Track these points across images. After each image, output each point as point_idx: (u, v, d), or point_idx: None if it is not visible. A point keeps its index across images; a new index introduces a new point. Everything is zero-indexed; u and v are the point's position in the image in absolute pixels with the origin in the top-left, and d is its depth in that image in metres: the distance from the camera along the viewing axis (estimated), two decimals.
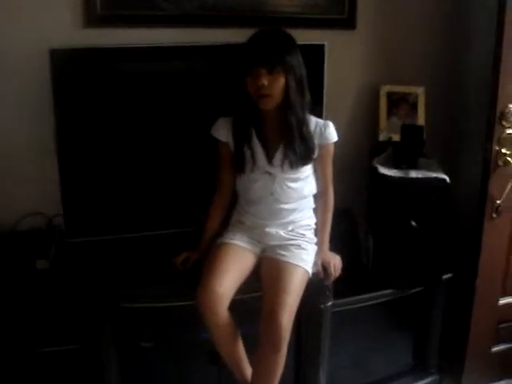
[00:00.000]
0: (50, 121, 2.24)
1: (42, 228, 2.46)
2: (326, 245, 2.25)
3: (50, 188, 2.36)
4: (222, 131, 2.20)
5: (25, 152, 2.46)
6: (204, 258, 2.17)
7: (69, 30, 2.38)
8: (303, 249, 2.15)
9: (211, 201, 2.27)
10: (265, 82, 2.01)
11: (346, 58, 2.72)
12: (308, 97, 2.14)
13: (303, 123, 2.12)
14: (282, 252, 2.13)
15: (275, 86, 2.04)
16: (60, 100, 2.20)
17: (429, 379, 2.71)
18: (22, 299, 2.16)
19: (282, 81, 2.04)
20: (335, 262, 2.22)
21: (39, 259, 2.24)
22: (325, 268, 2.20)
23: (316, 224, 2.27)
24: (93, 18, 2.41)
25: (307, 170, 2.19)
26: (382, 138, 2.76)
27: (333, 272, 2.20)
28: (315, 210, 2.28)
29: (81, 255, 2.30)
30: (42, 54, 2.17)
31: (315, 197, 2.27)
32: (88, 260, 2.28)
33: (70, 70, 2.19)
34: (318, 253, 2.21)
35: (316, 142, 2.16)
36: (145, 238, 2.36)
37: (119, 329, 2.16)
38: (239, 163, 2.16)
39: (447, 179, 2.44)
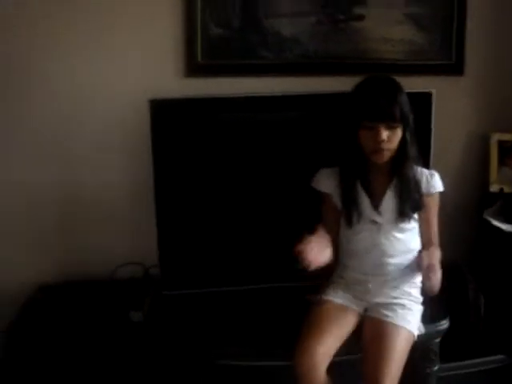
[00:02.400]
0: (149, 171, 2.24)
1: (138, 278, 2.45)
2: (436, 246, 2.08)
3: (148, 238, 2.34)
4: (326, 182, 2.13)
5: (125, 201, 2.51)
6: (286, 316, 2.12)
7: (170, 80, 2.44)
8: (408, 309, 2.03)
9: None
10: (384, 137, 1.95)
11: (453, 106, 2.63)
12: (416, 147, 2.06)
13: (415, 173, 2.06)
14: (386, 312, 2.01)
15: (394, 140, 1.98)
16: (159, 150, 2.20)
17: None
18: (115, 351, 2.14)
19: (399, 135, 1.98)
20: (437, 274, 1.94)
21: (133, 311, 2.22)
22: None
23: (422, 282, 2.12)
24: (194, 68, 2.45)
25: (413, 221, 2.09)
26: (492, 189, 2.63)
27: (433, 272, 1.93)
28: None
29: (176, 308, 2.26)
30: (144, 104, 2.18)
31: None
32: (183, 313, 2.25)
33: (169, 120, 2.19)
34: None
35: (423, 191, 2.07)
36: (242, 293, 2.30)
37: None
38: (347, 215, 2.08)
39: None
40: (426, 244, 2.12)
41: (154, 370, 2.12)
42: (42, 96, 2.40)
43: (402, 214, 2.04)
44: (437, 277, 1.92)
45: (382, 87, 1.99)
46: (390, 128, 1.95)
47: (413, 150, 2.03)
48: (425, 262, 1.92)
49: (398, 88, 2.00)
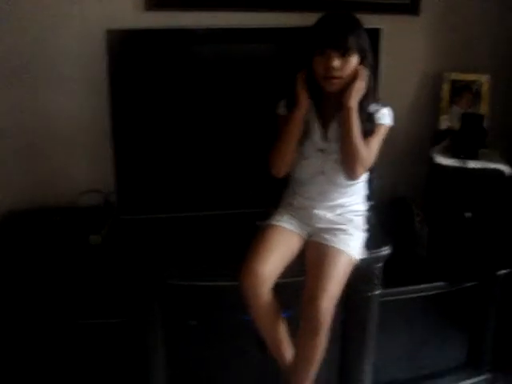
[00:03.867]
0: (106, 100, 2.28)
1: (99, 205, 2.54)
2: None
3: (108, 166, 2.39)
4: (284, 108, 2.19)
5: (85, 130, 2.56)
6: (239, 237, 2.19)
7: (131, 13, 2.46)
8: (350, 234, 2.13)
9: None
10: (336, 63, 2.00)
11: (408, 45, 2.69)
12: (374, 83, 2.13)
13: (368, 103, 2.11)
14: (328, 236, 2.11)
15: (346, 68, 2.02)
16: (115, 81, 2.23)
17: (482, 377, 2.64)
18: (73, 272, 2.24)
19: (353, 64, 2.03)
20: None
21: (92, 235, 2.32)
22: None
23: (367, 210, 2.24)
24: (155, 1, 2.45)
25: None
26: (442, 126, 2.70)
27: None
28: (367, 198, 2.25)
29: (133, 232, 2.35)
30: (101, 35, 2.21)
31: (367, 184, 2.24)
32: (139, 237, 2.34)
33: (126, 52, 2.23)
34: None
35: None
36: (197, 218, 2.38)
37: (166, 306, 2.20)
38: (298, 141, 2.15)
39: (506, 170, 2.35)
40: None
41: (110, 289, 2.22)
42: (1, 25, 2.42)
43: None
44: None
45: (338, 18, 2.05)
46: (342, 57, 2.00)
47: (371, 83, 2.08)
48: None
49: (354, 21, 2.05)
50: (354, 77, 2.04)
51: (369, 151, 2.09)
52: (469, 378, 2.62)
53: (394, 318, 2.40)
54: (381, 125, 2.13)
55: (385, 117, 2.13)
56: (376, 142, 2.13)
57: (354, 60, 2.02)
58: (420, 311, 2.47)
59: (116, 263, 2.23)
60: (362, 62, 2.04)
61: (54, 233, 2.39)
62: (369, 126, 2.10)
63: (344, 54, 2.00)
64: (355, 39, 2.01)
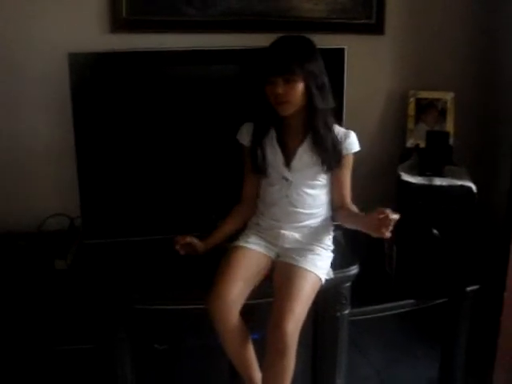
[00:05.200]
0: (70, 124, 2.27)
1: (64, 229, 2.50)
2: None
3: (73, 190, 2.38)
4: (246, 136, 2.21)
5: (49, 154, 2.54)
6: (209, 260, 2.17)
7: (95, 36, 2.46)
8: (317, 254, 2.12)
9: (233, 207, 2.27)
10: (280, 90, 2.02)
11: (373, 64, 2.72)
12: (332, 103, 2.12)
13: (330, 128, 2.11)
14: (296, 256, 2.10)
15: (292, 93, 2.03)
16: (79, 104, 2.22)
17: None
18: (40, 298, 2.20)
19: (299, 88, 2.04)
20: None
21: (58, 259, 2.29)
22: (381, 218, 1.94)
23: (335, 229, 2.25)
24: (119, 23, 2.46)
25: (324, 178, 2.16)
26: (409, 144, 2.73)
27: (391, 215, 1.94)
28: (332, 218, 2.25)
29: (98, 256, 2.32)
30: (64, 58, 2.20)
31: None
32: (105, 261, 2.31)
33: (89, 74, 2.22)
34: (365, 216, 2.05)
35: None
36: (161, 241, 2.33)
37: (134, 330, 2.17)
38: (255, 165, 2.17)
39: (473, 187, 2.38)
40: (338, 204, 2.20)
41: (77, 315, 2.19)
42: None
43: (326, 166, 2.11)
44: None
45: (285, 44, 2.06)
46: (288, 82, 2.02)
47: (322, 104, 2.07)
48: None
49: (302, 44, 2.07)
50: (305, 100, 2.06)
51: (349, 192, 2.18)
52: None
53: (364, 337, 2.39)
54: (350, 155, 2.15)
55: (353, 145, 2.15)
56: (349, 176, 2.18)
57: (298, 84, 2.03)
58: (391, 329, 2.48)
59: (82, 288, 2.20)
60: (308, 84, 2.04)
61: (19, 258, 2.35)
62: (336, 154, 2.11)
63: (288, 79, 2.02)
64: (298, 64, 2.02)
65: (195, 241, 2.18)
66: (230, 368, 2.18)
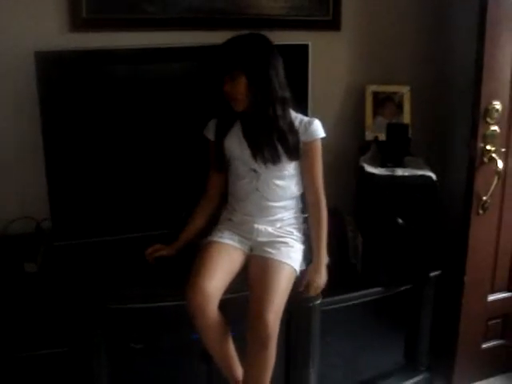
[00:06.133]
0: (37, 124, 2.25)
1: (30, 232, 2.46)
2: (323, 263, 2.22)
3: (39, 192, 2.37)
4: (212, 131, 2.24)
5: (15, 156, 2.48)
6: (181, 256, 2.22)
7: (55, 34, 2.41)
8: (291, 246, 2.17)
9: (197, 202, 2.30)
10: (227, 88, 2.09)
11: (331, 59, 2.76)
12: (286, 94, 2.14)
13: (283, 119, 2.13)
14: (270, 250, 2.14)
15: (237, 89, 2.10)
16: (46, 103, 2.21)
17: (420, 377, 2.71)
18: (11, 302, 2.16)
19: (241, 85, 2.09)
20: (319, 284, 2.21)
21: (27, 262, 2.26)
22: (308, 285, 2.19)
23: (305, 221, 2.29)
24: (79, 22, 2.42)
25: (292, 169, 2.20)
26: (368, 137, 2.79)
27: (311, 292, 2.20)
28: (303, 210, 2.29)
29: (68, 258, 2.31)
30: (28, 57, 2.19)
31: (302, 196, 2.29)
32: (76, 262, 2.30)
33: (55, 73, 2.20)
34: (311, 269, 2.20)
35: (301, 138, 2.17)
36: (132, 240, 2.37)
37: (109, 330, 2.16)
38: (218, 161, 2.22)
39: (433, 176, 2.45)
40: (309, 191, 2.24)
41: (50, 317, 2.15)
42: None
43: (275, 162, 2.14)
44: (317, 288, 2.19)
45: (230, 43, 2.12)
46: (232, 79, 2.08)
47: (266, 97, 2.09)
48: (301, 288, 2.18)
49: (245, 41, 2.12)
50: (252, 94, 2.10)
51: (320, 180, 2.22)
52: (408, 379, 2.68)
53: (334, 327, 2.44)
54: (316, 139, 2.19)
55: (317, 131, 2.18)
56: (319, 162, 2.22)
57: (241, 81, 2.08)
58: (358, 318, 2.52)
59: (54, 290, 2.19)
60: (250, 80, 2.09)
61: None
62: (293, 139, 2.15)
63: (232, 77, 2.08)
64: (239, 61, 2.08)
65: (164, 252, 2.25)
66: (207, 365, 2.21)
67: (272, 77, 2.10)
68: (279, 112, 2.12)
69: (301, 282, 2.19)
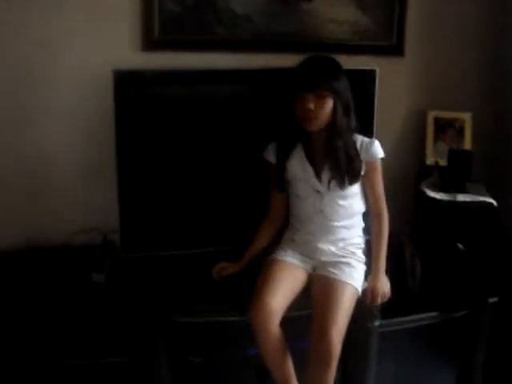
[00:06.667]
0: (107, 138, 2.32)
1: (96, 244, 2.52)
2: (381, 272, 2.24)
3: (106, 205, 2.45)
4: (272, 154, 2.29)
5: (84, 170, 2.57)
6: (244, 274, 2.26)
7: (128, 54, 2.51)
8: (353, 267, 2.19)
9: (261, 221, 2.34)
10: (311, 106, 2.10)
11: (394, 84, 2.79)
12: (354, 120, 2.21)
13: (349, 145, 2.19)
14: (333, 270, 2.16)
15: (321, 110, 2.12)
16: (121, 119, 2.27)
17: None
18: (78, 311, 2.22)
19: (328, 105, 2.12)
20: (384, 291, 2.22)
21: (94, 272, 2.32)
22: (372, 294, 2.20)
23: (366, 243, 2.30)
24: (151, 43, 2.52)
25: (355, 188, 2.24)
26: (428, 162, 2.81)
27: (379, 300, 2.21)
28: (365, 230, 2.32)
29: (134, 270, 2.36)
30: (105, 76, 2.26)
31: (364, 216, 2.31)
32: (141, 275, 2.35)
33: (131, 90, 2.27)
34: (371, 278, 2.22)
35: (362, 159, 2.21)
36: (198, 255, 2.42)
37: (171, 343, 2.20)
38: (280, 182, 2.25)
39: (494, 203, 2.46)
40: (374, 213, 2.28)
41: (116, 327, 2.20)
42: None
43: (340, 186, 2.19)
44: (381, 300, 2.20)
45: (315, 63, 2.15)
46: (318, 98, 2.10)
47: (344, 123, 2.16)
48: (368, 300, 2.19)
49: (330, 63, 2.16)
50: (331, 116, 2.14)
51: (382, 197, 2.27)
52: None
53: (390, 350, 2.44)
54: (377, 160, 2.24)
55: (378, 152, 2.23)
56: (380, 180, 2.26)
57: (328, 101, 2.12)
58: (415, 343, 2.52)
59: (120, 301, 2.24)
60: (336, 102, 2.13)
61: (53, 272, 2.38)
62: (354, 166, 2.19)
63: (319, 96, 2.10)
64: (329, 81, 2.11)
65: (230, 270, 2.28)
66: (263, 382, 2.23)
67: (351, 102, 2.16)
68: (352, 137, 2.20)
69: (365, 297, 2.20)
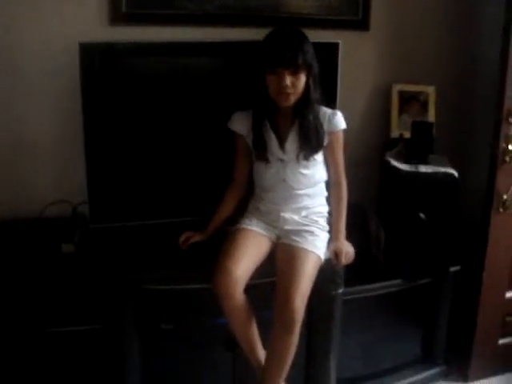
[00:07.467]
0: (75, 111, 2.34)
1: (66, 216, 2.56)
2: (342, 234, 2.30)
3: (76, 177, 2.47)
4: (239, 124, 2.32)
5: (51, 143, 2.59)
6: (210, 242, 2.31)
7: (96, 28, 2.51)
8: (316, 235, 2.24)
9: (224, 190, 2.38)
10: (288, 82, 2.14)
11: (359, 58, 2.84)
12: (320, 94, 2.25)
13: (316, 116, 2.24)
14: (296, 238, 2.22)
15: (298, 85, 2.16)
16: (88, 92, 2.29)
17: (436, 370, 2.78)
18: (48, 281, 2.26)
19: (303, 80, 2.16)
20: (348, 251, 2.27)
21: (65, 243, 2.35)
22: (336, 255, 2.25)
23: (329, 213, 2.36)
24: (118, 16, 2.53)
25: (317, 157, 2.29)
26: (393, 134, 2.87)
27: (343, 260, 2.25)
28: (328, 199, 2.37)
29: (104, 240, 2.40)
30: (71, 49, 2.27)
31: (327, 185, 2.37)
32: (110, 245, 2.39)
33: (97, 63, 2.28)
34: (332, 240, 2.28)
35: (325, 129, 2.26)
36: (164, 225, 2.46)
37: (140, 310, 2.26)
38: (260, 153, 2.28)
39: (455, 174, 2.52)
40: (334, 182, 2.34)
41: (86, 296, 2.26)
42: None
43: (304, 154, 2.24)
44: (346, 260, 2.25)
45: (287, 37, 2.17)
46: (293, 74, 2.14)
47: (315, 95, 2.21)
48: (333, 258, 2.26)
49: (302, 37, 2.18)
50: (304, 90, 2.18)
51: (342, 167, 2.32)
52: (424, 372, 2.75)
53: (354, 317, 2.50)
54: (340, 130, 2.29)
55: (340, 123, 2.28)
56: (341, 150, 2.32)
57: (303, 76, 2.16)
58: (378, 310, 2.60)
59: (90, 271, 2.28)
60: (309, 75, 2.18)
61: (24, 243, 2.41)
62: (319, 138, 2.25)
63: (294, 72, 2.14)
64: (303, 56, 2.14)
65: (196, 239, 2.33)
66: (232, 351, 2.30)
67: (318, 74, 2.21)
68: (316, 110, 2.25)
69: (332, 260, 2.26)
